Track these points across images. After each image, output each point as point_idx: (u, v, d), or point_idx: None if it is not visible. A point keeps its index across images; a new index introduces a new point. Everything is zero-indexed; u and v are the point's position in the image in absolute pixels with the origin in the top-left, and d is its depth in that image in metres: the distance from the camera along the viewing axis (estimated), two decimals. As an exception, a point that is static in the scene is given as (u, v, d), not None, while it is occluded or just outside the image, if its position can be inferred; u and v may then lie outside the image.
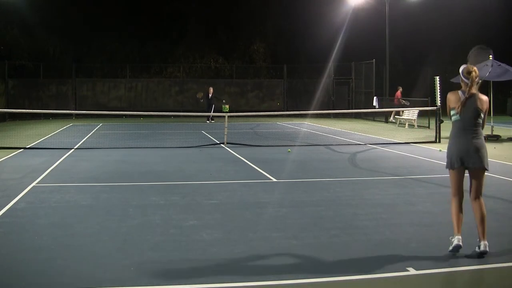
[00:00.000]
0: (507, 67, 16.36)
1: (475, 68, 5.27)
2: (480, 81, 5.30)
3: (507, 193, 8.22)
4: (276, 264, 4.96)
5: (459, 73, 5.34)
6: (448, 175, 5.46)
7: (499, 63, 16.54)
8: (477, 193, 5.27)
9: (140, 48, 32.80)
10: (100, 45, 31.43)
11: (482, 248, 5.07)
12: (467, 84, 5.23)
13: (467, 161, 5.21)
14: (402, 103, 23.71)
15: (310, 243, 5.63)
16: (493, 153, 13.30)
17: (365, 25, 29.38)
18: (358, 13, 29.10)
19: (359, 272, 4.72)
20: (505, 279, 4.73)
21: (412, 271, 4.73)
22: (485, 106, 5.26)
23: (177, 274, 4.72)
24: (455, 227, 5.26)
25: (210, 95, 25.92)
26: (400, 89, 24.53)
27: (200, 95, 26.36)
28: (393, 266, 4.88)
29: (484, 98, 5.30)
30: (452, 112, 5.32)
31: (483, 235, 5.16)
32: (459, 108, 5.22)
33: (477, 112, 5.22)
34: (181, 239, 5.76)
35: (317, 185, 8.98)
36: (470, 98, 5.20)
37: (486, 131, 18.05)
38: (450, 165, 5.35)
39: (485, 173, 5.31)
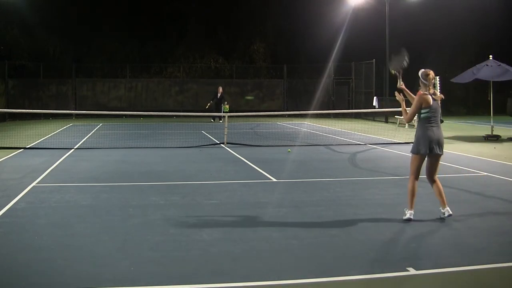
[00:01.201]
0: (507, 67, 16.37)
1: (431, 71, 6.36)
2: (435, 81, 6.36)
3: (507, 193, 8.22)
4: (276, 264, 4.95)
5: (419, 76, 6.37)
6: (411, 159, 6.52)
7: (499, 63, 16.55)
8: (435, 174, 6.54)
9: (140, 48, 32.79)
10: (100, 45, 31.42)
11: (447, 213, 6.41)
12: (426, 85, 6.32)
13: (435, 148, 6.32)
14: None
15: (310, 243, 5.63)
16: (493, 153, 13.31)
17: (365, 25, 29.37)
18: (358, 13, 29.10)
19: (359, 272, 4.72)
20: (505, 279, 4.73)
21: (412, 271, 4.73)
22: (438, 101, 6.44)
23: (177, 274, 4.72)
24: (410, 203, 6.44)
25: (219, 95, 25.82)
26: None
27: (208, 105, 25.94)
28: (393, 266, 4.88)
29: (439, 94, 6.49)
30: (424, 110, 6.28)
31: (444, 203, 6.46)
32: (431, 106, 6.28)
33: (439, 108, 6.42)
34: (181, 239, 5.76)
35: (317, 185, 8.98)
36: (433, 97, 6.33)
37: (486, 131, 18.15)
38: (417, 151, 6.39)
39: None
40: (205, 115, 23.17)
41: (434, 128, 6.33)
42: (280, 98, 31.39)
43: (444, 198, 6.47)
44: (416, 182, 6.46)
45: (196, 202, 7.62)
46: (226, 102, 25.90)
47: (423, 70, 6.38)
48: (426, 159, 6.46)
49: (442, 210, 6.49)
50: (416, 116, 6.49)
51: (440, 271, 4.78)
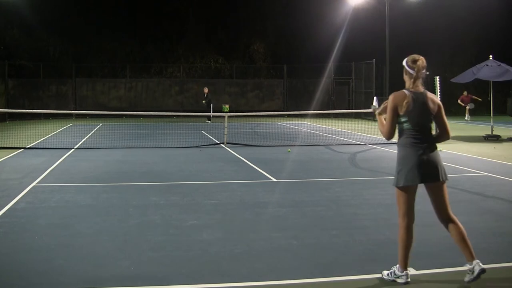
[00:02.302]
0: (507, 67, 16.37)
1: (421, 57, 4.29)
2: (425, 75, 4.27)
3: (507, 193, 8.22)
4: (276, 264, 4.95)
5: (404, 64, 4.36)
6: (395, 194, 4.45)
7: (499, 63, 16.55)
8: (447, 210, 4.36)
9: (140, 48, 32.80)
10: (100, 45, 31.42)
11: (478, 268, 4.19)
12: (413, 76, 4.25)
13: (428, 174, 4.27)
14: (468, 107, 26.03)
15: (310, 243, 5.62)
16: (493, 153, 13.31)
17: (365, 25, 29.39)
18: (358, 13, 29.10)
19: (359, 272, 4.72)
20: (505, 279, 4.73)
21: (412, 271, 4.73)
22: (437, 107, 4.30)
23: (177, 274, 4.72)
24: (402, 259, 4.38)
25: (205, 95, 25.95)
26: (465, 93, 26.13)
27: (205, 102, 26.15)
28: (393, 266, 4.88)
29: (435, 98, 4.35)
30: (402, 118, 4.27)
31: (471, 255, 4.26)
32: (410, 111, 4.20)
33: (429, 116, 4.29)
34: (181, 239, 5.76)
35: (317, 185, 8.97)
36: (418, 98, 4.22)
37: (486, 131, 18.14)
38: (396, 182, 4.34)
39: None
40: (205, 115, 23.20)
41: (419, 146, 4.26)
42: (280, 98, 31.40)
43: (470, 247, 4.27)
44: (410, 228, 4.44)
45: (196, 202, 7.62)
46: (204, 101, 26.01)
47: (410, 55, 4.35)
48: (426, 191, 4.45)
49: (469, 266, 4.27)
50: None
51: (440, 271, 4.78)
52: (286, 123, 24.55)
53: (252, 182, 9.34)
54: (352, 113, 27.45)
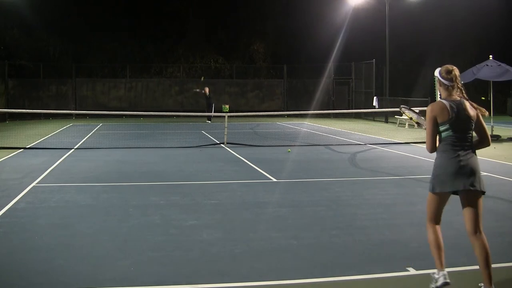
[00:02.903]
0: (507, 67, 16.37)
1: (455, 67, 4.34)
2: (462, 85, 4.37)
3: (507, 193, 8.22)
4: (276, 264, 4.95)
5: (437, 75, 4.40)
6: (427, 198, 4.41)
7: (499, 63, 16.56)
8: (478, 224, 4.21)
9: (140, 48, 32.80)
10: (100, 45, 31.43)
11: None
12: (449, 87, 4.28)
13: (463, 182, 4.18)
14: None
15: (310, 243, 5.63)
16: (493, 153, 13.30)
17: (365, 25, 29.40)
18: (358, 13, 29.11)
19: (359, 272, 4.72)
20: (505, 279, 4.73)
21: (412, 271, 4.73)
22: (476, 114, 4.29)
23: (177, 274, 4.72)
24: (438, 261, 4.32)
25: (207, 95, 25.85)
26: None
27: (199, 90, 26.10)
28: (393, 266, 4.89)
29: (474, 105, 4.34)
30: (442, 127, 4.23)
31: (489, 282, 4.12)
32: (451, 119, 4.20)
33: (472, 123, 4.24)
34: (181, 239, 5.76)
35: (317, 185, 8.97)
36: (457, 106, 4.22)
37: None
38: (432, 188, 4.31)
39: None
40: (205, 115, 23.19)
41: (458, 154, 4.21)
42: (280, 98, 31.40)
43: (491, 271, 4.17)
44: (438, 230, 4.38)
45: (196, 202, 7.62)
46: (198, 90, 26.10)
47: (443, 66, 4.39)
48: (460, 199, 4.32)
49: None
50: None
51: (440, 271, 4.77)
52: (286, 123, 24.55)
53: (252, 182, 9.34)
54: (352, 113, 27.45)
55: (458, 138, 4.21)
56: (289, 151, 13.55)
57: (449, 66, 4.33)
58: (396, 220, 6.59)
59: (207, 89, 26.08)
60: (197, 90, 26.32)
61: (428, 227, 4.43)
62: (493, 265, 4.53)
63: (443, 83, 4.31)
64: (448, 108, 4.20)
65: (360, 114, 27.58)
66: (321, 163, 11.73)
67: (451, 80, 4.27)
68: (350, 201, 7.68)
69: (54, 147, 14.42)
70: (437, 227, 4.38)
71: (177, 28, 33.75)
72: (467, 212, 4.24)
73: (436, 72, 4.41)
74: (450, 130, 4.21)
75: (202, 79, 27.52)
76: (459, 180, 4.18)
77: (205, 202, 7.60)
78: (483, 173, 10.30)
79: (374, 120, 26.03)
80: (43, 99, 28.07)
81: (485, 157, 12.58)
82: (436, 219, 4.38)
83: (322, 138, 17.40)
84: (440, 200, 4.31)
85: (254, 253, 5.29)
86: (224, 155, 13.00)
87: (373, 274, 4.67)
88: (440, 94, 4.39)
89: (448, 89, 4.28)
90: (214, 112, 24.46)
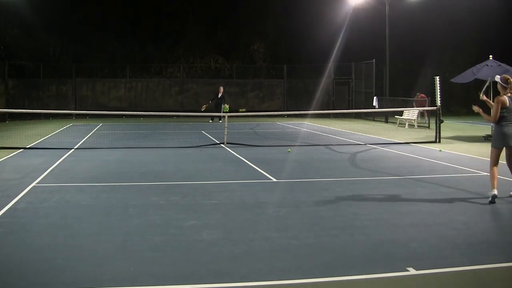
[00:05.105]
0: (507, 67, 16.37)
1: (510, 77, 7.57)
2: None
3: (507, 193, 8.21)
4: (276, 264, 4.95)
5: (498, 81, 7.62)
6: (490, 150, 7.68)
7: (499, 63, 16.55)
8: None
9: (140, 48, 32.77)
10: (100, 45, 31.40)
11: None
12: (506, 88, 7.57)
13: (510, 142, 7.47)
14: None
15: (310, 243, 5.63)
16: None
17: (365, 25, 29.37)
18: (358, 13, 29.10)
19: (359, 272, 4.72)
20: (505, 279, 4.73)
21: (412, 271, 4.73)
22: None
23: (177, 274, 4.72)
24: (492, 184, 7.48)
25: (220, 95, 25.67)
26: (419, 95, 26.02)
27: (204, 107, 25.65)
28: (393, 266, 4.88)
29: None
30: (501, 110, 7.47)
31: None
32: (507, 107, 7.47)
33: None
34: (181, 239, 5.76)
35: (317, 185, 8.98)
36: (510, 99, 7.54)
37: (486, 131, 18.09)
38: (494, 144, 7.63)
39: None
40: (205, 115, 23.14)
41: (509, 125, 7.49)
42: (280, 98, 31.39)
43: None
44: (496, 168, 7.56)
45: (196, 202, 7.62)
46: (226, 103, 25.80)
47: (503, 75, 7.72)
48: (505, 151, 7.63)
49: None
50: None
51: (440, 271, 4.78)
52: (286, 123, 24.55)
53: (252, 182, 9.34)
54: (352, 113, 27.44)
55: (509, 117, 7.48)
56: (289, 151, 13.55)
57: (507, 76, 7.61)
58: (396, 220, 6.59)
59: (221, 88, 25.88)
60: (205, 106, 25.72)
61: (491, 165, 7.61)
62: (493, 265, 4.55)
63: (503, 86, 7.59)
64: (508, 100, 7.51)
65: (360, 114, 27.57)
66: (321, 163, 11.73)
67: (507, 84, 7.56)
68: (350, 201, 7.68)
69: (54, 147, 14.42)
70: (495, 168, 7.58)
71: (177, 28, 33.72)
72: (510, 158, 7.71)
73: (497, 78, 7.68)
74: (505, 111, 7.48)
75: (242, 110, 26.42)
76: (507, 141, 7.50)
77: (205, 202, 7.60)
78: (483, 173, 10.30)
79: (374, 120, 26.03)
80: (43, 99, 28.06)
81: (485, 157, 12.55)
82: (495, 162, 7.59)
83: (322, 138, 17.40)
84: (498, 151, 7.63)
85: (254, 253, 5.29)
86: (224, 155, 13.00)
87: (373, 274, 4.67)
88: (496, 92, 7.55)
89: (506, 90, 7.58)
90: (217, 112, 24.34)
